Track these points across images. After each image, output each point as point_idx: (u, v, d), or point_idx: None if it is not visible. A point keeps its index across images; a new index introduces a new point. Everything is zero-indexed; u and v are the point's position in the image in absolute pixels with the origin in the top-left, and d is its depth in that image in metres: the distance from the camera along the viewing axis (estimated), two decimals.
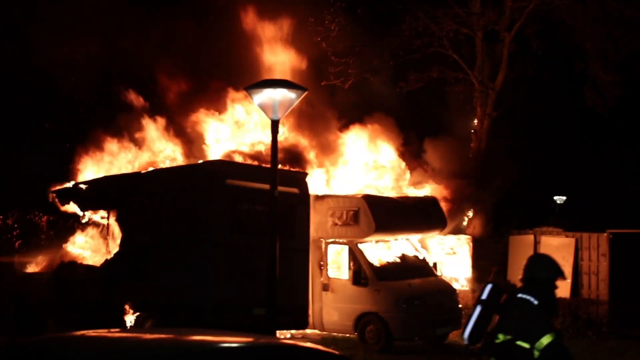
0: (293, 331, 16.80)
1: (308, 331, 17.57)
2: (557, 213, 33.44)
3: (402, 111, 24.03)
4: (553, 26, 22.88)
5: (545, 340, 6.82)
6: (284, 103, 10.50)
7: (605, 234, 20.53)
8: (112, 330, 5.37)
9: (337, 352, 4.85)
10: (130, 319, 15.25)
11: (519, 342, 6.90)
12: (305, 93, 10.82)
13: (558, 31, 22.87)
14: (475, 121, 23.86)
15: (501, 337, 7.02)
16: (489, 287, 7.48)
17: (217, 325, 12.73)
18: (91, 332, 4.95)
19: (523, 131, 28.43)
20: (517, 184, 29.36)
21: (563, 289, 20.43)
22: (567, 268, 20.77)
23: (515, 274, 21.38)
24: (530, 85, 24.33)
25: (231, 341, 4.38)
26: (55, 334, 4.95)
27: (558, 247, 21.05)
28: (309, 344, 5.10)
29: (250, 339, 4.58)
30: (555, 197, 36.32)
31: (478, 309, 7.37)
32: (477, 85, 23.57)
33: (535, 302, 6.99)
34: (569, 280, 20.60)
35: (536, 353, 6.81)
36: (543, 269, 7.20)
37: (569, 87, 24.95)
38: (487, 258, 22.10)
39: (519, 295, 7.14)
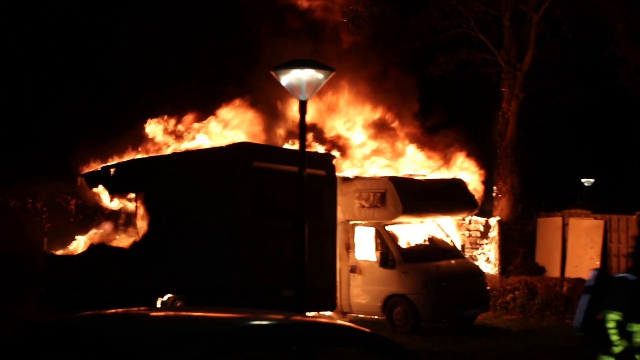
0: (322, 313, 16.82)
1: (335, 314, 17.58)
2: (585, 195, 33.12)
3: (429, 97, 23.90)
4: (582, 7, 22.56)
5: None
6: (311, 84, 10.45)
7: (634, 216, 20.35)
8: (141, 308, 5.39)
9: (368, 330, 4.83)
10: (159, 300, 15.35)
11: (631, 325, 6.66)
12: (333, 73, 10.76)
13: (588, 12, 22.54)
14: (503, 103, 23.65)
15: (612, 316, 6.69)
16: (594, 273, 7.20)
17: (246, 307, 12.76)
18: (122, 310, 4.97)
19: (551, 113, 28.19)
20: (545, 166, 29.15)
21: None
22: (596, 250, 20.62)
23: (544, 256, 21.46)
24: (557, 66, 24.07)
25: (263, 318, 4.38)
26: (87, 312, 4.97)
27: (587, 229, 20.89)
28: (342, 322, 5.09)
29: (281, 317, 4.57)
30: (583, 180, 35.97)
31: (586, 298, 7.01)
32: (505, 67, 23.35)
33: (632, 279, 6.74)
34: (597, 263, 20.45)
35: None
36: None
37: (598, 68, 24.66)
38: (515, 240, 21.99)
39: (617, 275, 6.99)
